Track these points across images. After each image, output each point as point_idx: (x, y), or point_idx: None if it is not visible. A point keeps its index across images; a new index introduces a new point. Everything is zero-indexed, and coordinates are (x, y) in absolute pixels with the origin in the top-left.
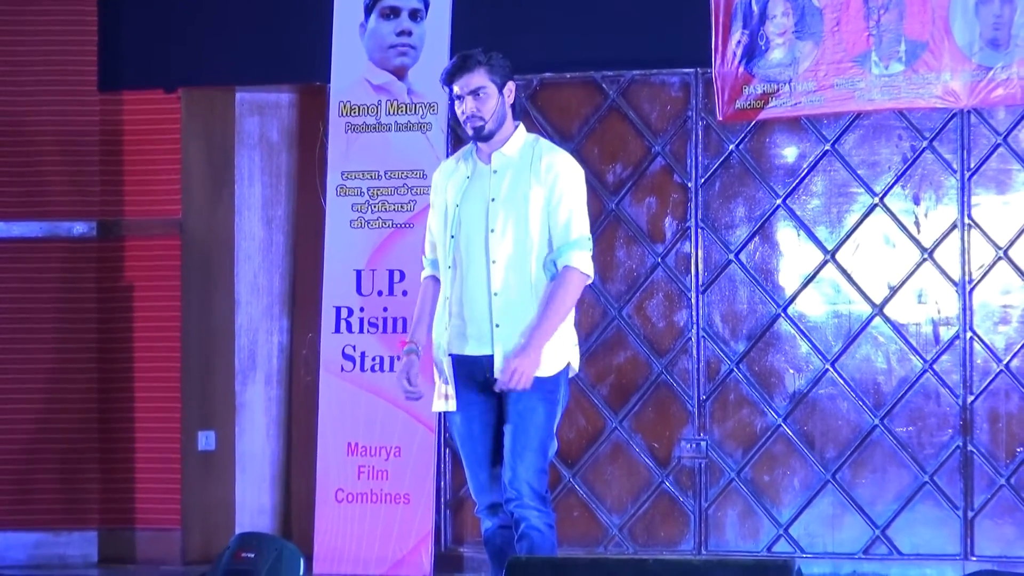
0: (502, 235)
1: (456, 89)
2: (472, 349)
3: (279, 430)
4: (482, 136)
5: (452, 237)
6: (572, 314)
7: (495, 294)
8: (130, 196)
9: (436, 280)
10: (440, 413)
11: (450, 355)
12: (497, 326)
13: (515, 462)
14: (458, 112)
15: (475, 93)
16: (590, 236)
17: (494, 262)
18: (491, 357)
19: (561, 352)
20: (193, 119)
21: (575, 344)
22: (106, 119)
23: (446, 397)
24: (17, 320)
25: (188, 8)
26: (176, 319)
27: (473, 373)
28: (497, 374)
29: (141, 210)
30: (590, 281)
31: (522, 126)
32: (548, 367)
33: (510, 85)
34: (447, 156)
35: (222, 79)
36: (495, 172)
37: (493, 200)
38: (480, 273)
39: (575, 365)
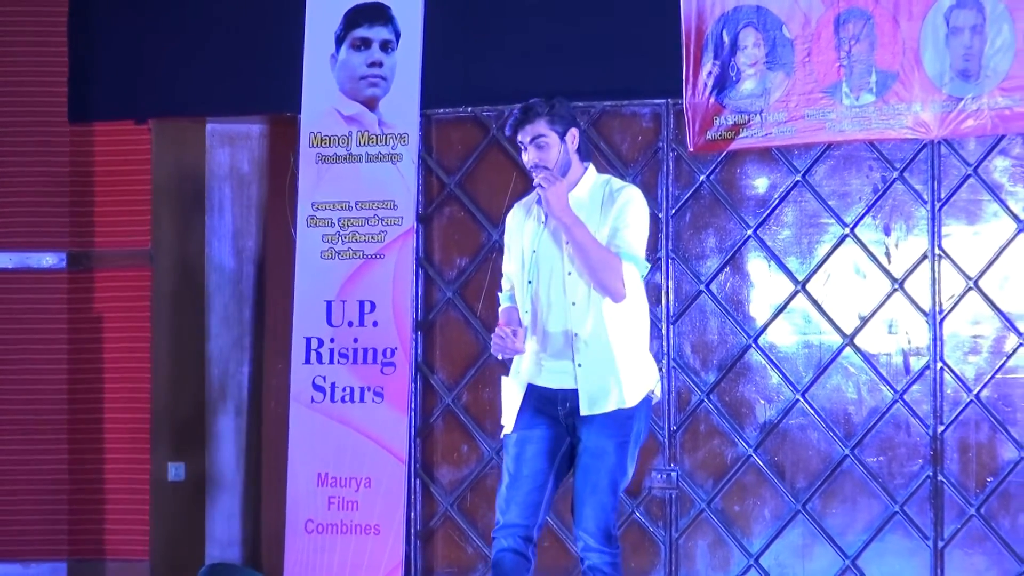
0: (579, 277)
1: (520, 138)
2: (552, 382)
3: (249, 461)
4: None
5: (529, 283)
6: (647, 341)
7: (575, 335)
8: (100, 227)
9: (514, 308)
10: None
11: (528, 384)
12: (580, 366)
13: (583, 505)
14: (524, 161)
15: (536, 143)
16: (641, 260)
17: (573, 304)
18: (574, 392)
19: (643, 382)
20: (163, 150)
21: (656, 374)
22: (76, 150)
23: (509, 420)
24: None
25: (159, 40)
26: (146, 350)
27: (547, 403)
28: (584, 412)
29: (111, 241)
30: (618, 300)
31: (592, 167)
32: (630, 397)
33: (573, 131)
34: (418, 187)
35: (193, 110)
36: None
37: (568, 243)
38: (561, 315)
39: (656, 392)
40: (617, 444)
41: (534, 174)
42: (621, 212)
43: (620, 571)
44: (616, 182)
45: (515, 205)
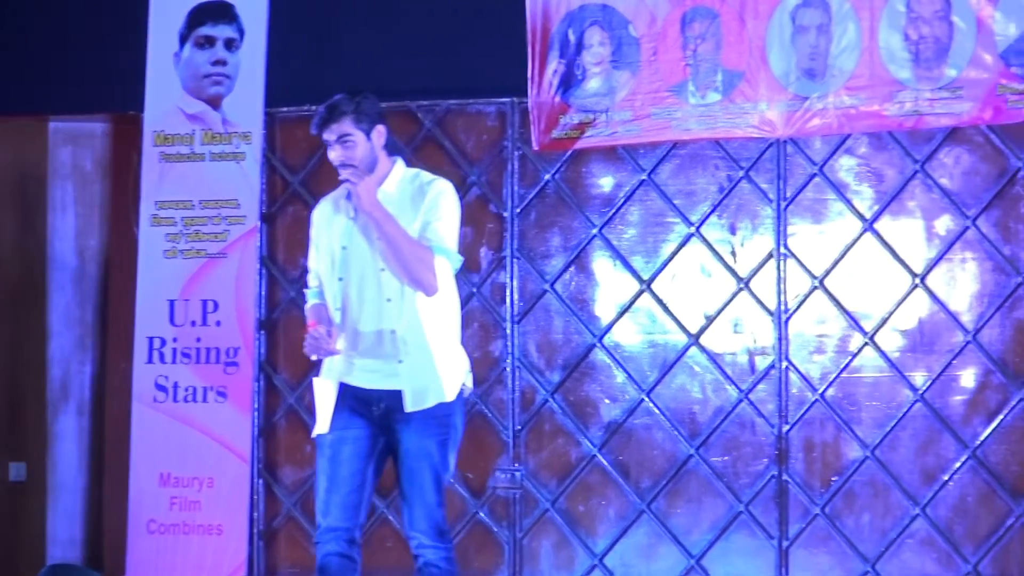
0: (393, 272)
1: (325, 136)
2: (366, 382)
3: (91, 461)
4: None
5: (340, 279)
6: (459, 334)
7: (393, 332)
8: None
9: (324, 305)
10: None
11: (340, 383)
12: (401, 362)
13: (412, 506)
14: (330, 158)
15: (342, 141)
16: (453, 252)
17: (389, 300)
18: (390, 392)
19: (458, 375)
20: (5, 149)
21: (467, 365)
22: None
23: (323, 420)
24: None
25: None
26: None
27: (361, 403)
28: (409, 408)
29: None
30: (431, 293)
31: (400, 161)
32: (449, 391)
33: (379, 128)
34: (261, 185)
35: (34, 108)
36: None
37: (379, 239)
38: (374, 312)
39: (469, 384)
40: (438, 443)
41: (341, 171)
42: (432, 205)
43: (455, 565)
44: (426, 175)
45: (322, 200)
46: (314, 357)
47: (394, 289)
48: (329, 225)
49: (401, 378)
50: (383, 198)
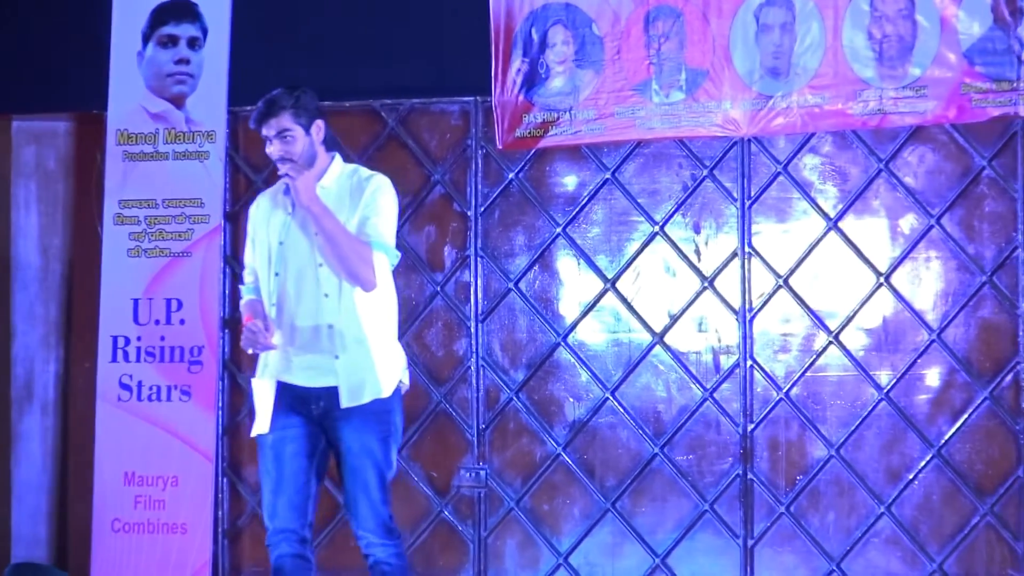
0: (331, 268)
1: (265, 132)
2: (305, 380)
3: (56, 460)
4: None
5: (276, 275)
6: (396, 330)
7: (330, 327)
8: None
9: (259, 301)
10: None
11: (277, 382)
12: (337, 358)
13: (358, 505)
14: (269, 153)
15: (281, 136)
16: (391, 248)
17: (327, 295)
18: (328, 388)
19: (395, 371)
20: None
21: (404, 362)
22: None
23: (263, 420)
24: None
25: None
26: None
27: (300, 401)
28: (345, 404)
29: None
30: (369, 289)
31: (338, 157)
32: (386, 386)
33: (318, 123)
34: (225, 184)
35: None
36: None
37: (317, 234)
38: (312, 308)
39: (405, 381)
40: (380, 440)
41: (280, 166)
42: (370, 201)
43: (405, 560)
44: (364, 171)
45: (259, 196)
46: (251, 351)
47: (332, 284)
48: (267, 220)
49: (338, 374)
50: (321, 193)
